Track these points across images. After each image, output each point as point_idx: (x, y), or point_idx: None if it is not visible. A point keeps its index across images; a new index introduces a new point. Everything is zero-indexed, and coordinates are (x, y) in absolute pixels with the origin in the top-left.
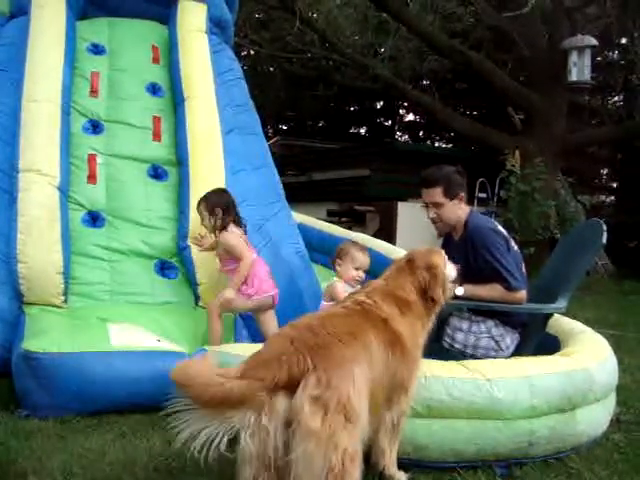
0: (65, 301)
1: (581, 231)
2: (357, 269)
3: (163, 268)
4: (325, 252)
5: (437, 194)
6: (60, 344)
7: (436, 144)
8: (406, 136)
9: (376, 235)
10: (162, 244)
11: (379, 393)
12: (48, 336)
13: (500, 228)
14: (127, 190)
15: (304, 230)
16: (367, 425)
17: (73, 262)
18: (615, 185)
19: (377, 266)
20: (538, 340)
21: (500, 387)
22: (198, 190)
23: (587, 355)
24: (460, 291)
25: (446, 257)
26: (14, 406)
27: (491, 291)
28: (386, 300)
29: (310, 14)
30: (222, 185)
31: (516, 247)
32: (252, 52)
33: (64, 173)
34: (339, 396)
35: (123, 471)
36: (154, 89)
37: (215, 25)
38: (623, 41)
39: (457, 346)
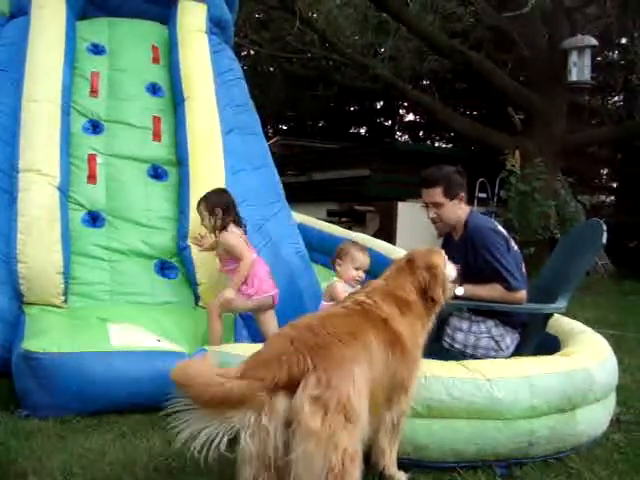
0: (65, 301)
1: (581, 231)
2: (357, 269)
3: (163, 268)
4: (325, 252)
5: (437, 194)
6: (60, 344)
7: (436, 144)
8: (406, 136)
9: (376, 235)
10: (162, 244)
11: (379, 393)
12: (48, 336)
13: (500, 228)
14: (127, 190)
15: (304, 230)
16: (367, 425)
17: (73, 262)
18: (615, 185)
19: (377, 266)
20: (538, 340)
21: (500, 387)
22: (198, 190)
23: (587, 355)
24: (460, 291)
25: (446, 257)
26: (14, 406)
27: (491, 291)
28: (386, 300)
29: (310, 14)
30: (222, 185)
31: (516, 247)
32: (252, 52)
33: (64, 173)
34: (339, 396)
35: (123, 471)
36: (154, 89)
37: (215, 25)
38: (623, 41)
39: (457, 346)
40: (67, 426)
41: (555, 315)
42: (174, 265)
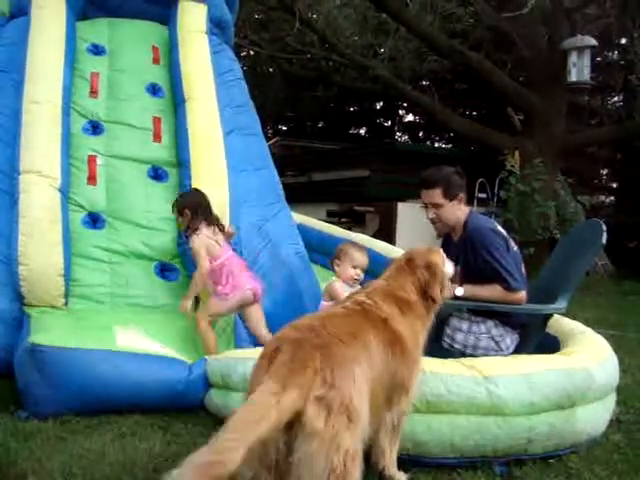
0: (66, 303)
1: (581, 231)
2: (355, 268)
3: (163, 270)
4: (325, 253)
5: (436, 195)
6: (67, 339)
7: (436, 144)
8: (406, 136)
9: (376, 235)
10: (162, 246)
11: (379, 393)
12: (55, 331)
13: (500, 228)
14: (127, 191)
15: (304, 231)
16: (368, 425)
17: (73, 264)
18: (615, 185)
19: (377, 266)
20: (538, 340)
21: (499, 384)
22: None
23: (587, 355)
24: (460, 291)
25: (444, 256)
26: (14, 407)
27: (491, 291)
28: (386, 300)
29: (310, 15)
30: (223, 186)
31: (516, 247)
32: (252, 53)
33: (65, 174)
34: (342, 397)
35: (123, 472)
36: (154, 90)
37: (215, 26)
38: (623, 41)
39: (457, 346)
40: (67, 427)
41: (555, 315)
42: (175, 267)
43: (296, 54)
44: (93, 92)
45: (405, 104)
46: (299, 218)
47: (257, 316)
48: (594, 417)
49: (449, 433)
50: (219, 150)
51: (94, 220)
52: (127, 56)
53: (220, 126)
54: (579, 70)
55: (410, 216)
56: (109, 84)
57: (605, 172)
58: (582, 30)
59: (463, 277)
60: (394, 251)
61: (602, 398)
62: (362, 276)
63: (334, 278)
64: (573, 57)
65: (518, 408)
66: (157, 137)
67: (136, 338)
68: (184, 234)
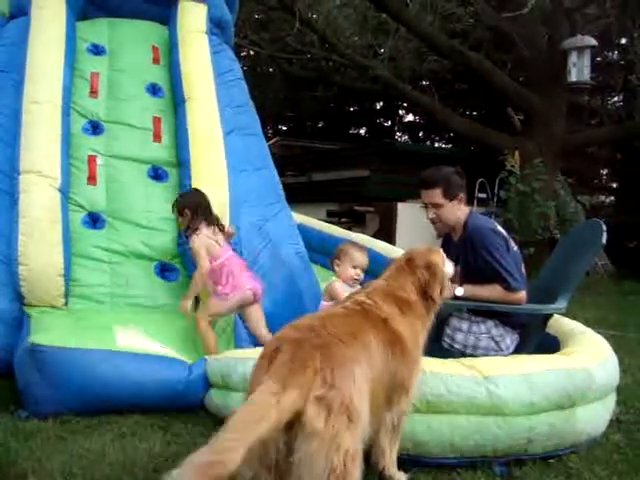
0: (66, 303)
1: (581, 231)
2: (355, 267)
3: (163, 270)
4: (325, 253)
5: (436, 195)
6: (67, 339)
7: (436, 144)
8: (406, 136)
9: (376, 236)
10: (162, 246)
11: (379, 393)
12: (55, 331)
13: (500, 228)
14: (127, 191)
15: (304, 231)
16: (368, 425)
17: (73, 264)
18: (615, 185)
19: (377, 266)
20: (538, 340)
21: (499, 384)
22: None
23: (587, 355)
24: (460, 291)
25: (444, 256)
26: (14, 407)
27: (491, 291)
28: (386, 300)
29: (310, 15)
30: (223, 186)
31: (516, 247)
32: (252, 53)
33: (64, 174)
34: (342, 397)
35: (123, 472)
36: (154, 90)
37: (215, 26)
38: (623, 41)
39: (457, 346)
40: (67, 427)
41: (555, 315)
42: (175, 267)
43: (296, 54)
44: (93, 92)
45: (405, 104)
46: (299, 218)
47: (257, 316)
48: (594, 417)
49: (449, 433)
50: (219, 150)
51: (94, 220)
52: (127, 56)
53: (220, 126)
54: (579, 70)
55: (410, 216)
56: (109, 84)
57: (605, 172)
58: (582, 30)
59: (463, 277)
60: (394, 251)
61: (602, 398)
62: (362, 276)
63: (334, 278)
64: (573, 57)
65: (518, 408)
66: (157, 137)
67: (136, 338)
68: (184, 234)
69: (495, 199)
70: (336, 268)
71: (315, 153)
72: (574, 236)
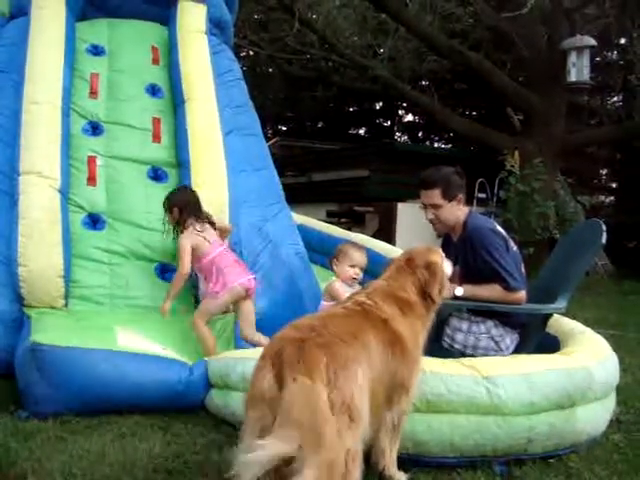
0: (66, 304)
1: (581, 231)
2: (353, 267)
3: (164, 271)
4: (325, 253)
5: (435, 196)
6: (68, 339)
7: (435, 144)
8: (405, 137)
9: (375, 236)
10: (162, 246)
11: (379, 393)
12: (56, 331)
13: (499, 228)
14: (127, 192)
15: (304, 231)
16: (368, 425)
17: (73, 265)
18: (614, 185)
19: (377, 267)
20: (538, 340)
21: (499, 383)
22: (200, 191)
23: (587, 354)
24: (460, 291)
25: (443, 255)
26: (14, 407)
27: (490, 291)
28: (387, 301)
29: (309, 15)
30: (223, 186)
31: (515, 247)
32: (251, 53)
33: (64, 175)
34: (343, 396)
35: (123, 472)
36: (154, 90)
37: (215, 26)
38: (622, 41)
39: (457, 346)
40: (67, 427)
41: (555, 315)
42: (175, 268)
43: (296, 54)
44: (93, 93)
45: (405, 104)
46: (299, 218)
47: (248, 312)
48: (594, 417)
49: (449, 433)
50: (219, 151)
51: (94, 221)
52: (126, 57)
53: (220, 126)
54: (578, 70)
55: (410, 216)
56: (109, 85)
57: (605, 172)
58: (581, 30)
59: (463, 277)
60: (394, 251)
61: (602, 398)
62: (361, 275)
63: (334, 278)
64: (572, 57)
65: (518, 408)
66: (157, 138)
67: (137, 339)
68: (174, 232)
69: (495, 199)
70: (335, 268)
71: (315, 153)
72: (574, 236)
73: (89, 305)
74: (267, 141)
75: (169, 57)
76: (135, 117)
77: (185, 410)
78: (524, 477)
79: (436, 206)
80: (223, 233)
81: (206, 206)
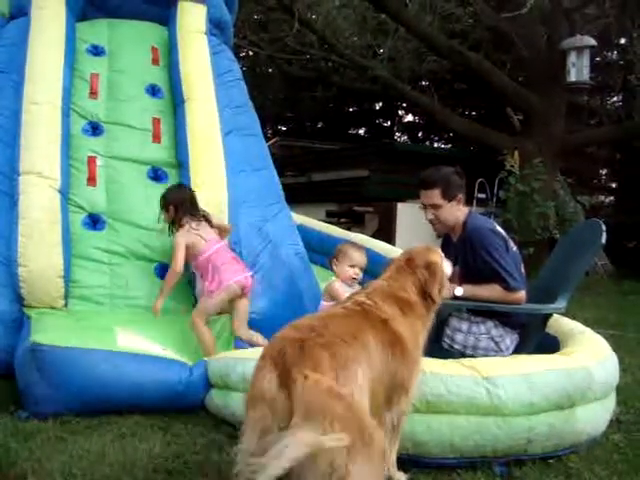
0: (66, 305)
1: (580, 231)
2: (353, 267)
3: (163, 271)
4: (324, 253)
5: (435, 196)
6: (68, 339)
7: (435, 145)
8: (405, 137)
9: (375, 236)
10: (162, 247)
11: (379, 393)
12: (56, 331)
13: (499, 229)
14: (127, 192)
15: (304, 231)
16: None
17: (73, 265)
18: (614, 185)
19: (376, 267)
20: (538, 340)
21: (499, 384)
22: (199, 192)
23: (587, 354)
24: (459, 291)
25: (443, 254)
26: (14, 407)
27: (490, 291)
28: (387, 301)
29: (309, 15)
30: (222, 187)
31: (515, 247)
32: (251, 53)
33: (64, 176)
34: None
35: (123, 472)
36: (154, 90)
37: (215, 26)
38: (622, 41)
39: (457, 347)
40: (67, 427)
41: (555, 315)
42: None
43: (295, 54)
44: (93, 93)
45: (404, 104)
46: (299, 219)
47: (243, 311)
48: (594, 417)
49: (449, 433)
50: (218, 151)
51: (94, 221)
52: (126, 57)
53: (219, 127)
54: (578, 70)
55: (410, 216)
56: (109, 85)
57: (604, 172)
58: (581, 30)
59: (462, 277)
60: (393, 251)
61: (602, 398)
62: (361, 275)
63: (333, 278)
64: (572, 57)
65: (518, 408)
66: (157, 138)
67: (137, 339)
68: (169, 230)
69: (494, 199)
70: (335, 268)
71: (315, 153)
72: (574, 236)
73: (89, 305)
74: (267, 141)
75: (169, 57)
76: (135, 117)
77: (185, 410)
78: (524, 477)
79: (436, 206)
80: (222, 232)
81: (205, 206)
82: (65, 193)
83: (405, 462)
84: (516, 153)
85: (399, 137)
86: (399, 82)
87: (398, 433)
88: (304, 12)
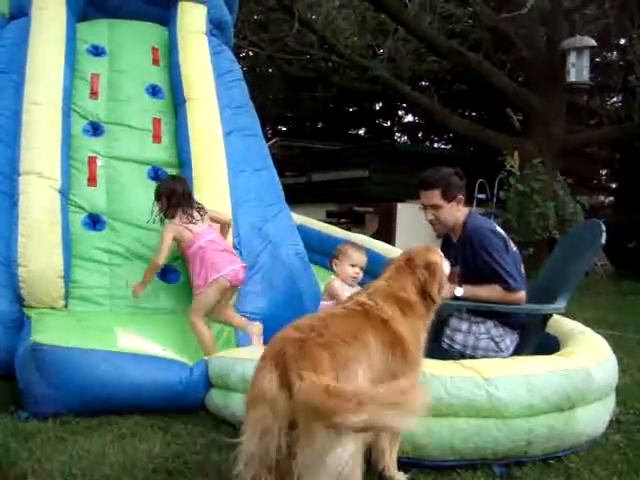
0: (66, 305)
1: (580, 232)
2: (353, 266)
3: (164, 272)
4: (324, 253)
5: (435, 196)
6: (68, 339)
7: (435, 145)
8: (405, 137)
9: (375, 236)
10: None
11: None
12: (56, 332)
13: (499, 229)
14: (127, 192)
15: (304, 231)
16: None
17: (74, 265)
18: (614, 186)
19: (376, 267)
20: (538, 341)
21: (499, 386)
22: (200, 192)
23: (586, 355)
24: (459, 292)
25: (442, 254)
26: (14, 407)
27: (490, 292)
28: (387, 301)
29: (309, 15)
30: (224, 186)
31: (515, 248)
32: (251, 53)
33: (65, 176)
34: None
35: (123, 473)
36: (154, 91)
37: (215, 26)
38: (622, 42)
39: (456, 347)
40: (67, 427)
41: (555, 315)
42: (175, 268)
43: (295, 55)
44: (93, 93)
45: (404, 105)
46: (299, 219)
47: (228, 298)
48: (594, 418)
49: (449, 436)
50: (219, 151)
51: (94, 221)
52: (127, 57)
53: (220, 127)
54: (578, 70)
55: (410, 216)
56: (109, 85)
57: (604, 172)
58: (581, 30)
59: (462, 277)
60: (393, 251)
61: (602, 399)
62: (361, 275)
63: (333, 277)
64: (572, 57)
65: (517, 410)
66: (157, 138)
67: (137, 339)
68: (161, 222)
69: (494, 199)
70: (335, 268)
71: (315, 154)
72: (573, 236)
73: (89, 306)
74: (267, 141)
75: (169, 58)
76: (135, 117)
77: (185, 410)
78: (524, 478)
79: (436, 207)
80: (223, 227)
81: (207, 206)
82: (65, 193)
83: (405, 465)
84: (516, 153)
85: (399, 137)
86: (399, 82)
87: (398, 434)
88: (304, 12)
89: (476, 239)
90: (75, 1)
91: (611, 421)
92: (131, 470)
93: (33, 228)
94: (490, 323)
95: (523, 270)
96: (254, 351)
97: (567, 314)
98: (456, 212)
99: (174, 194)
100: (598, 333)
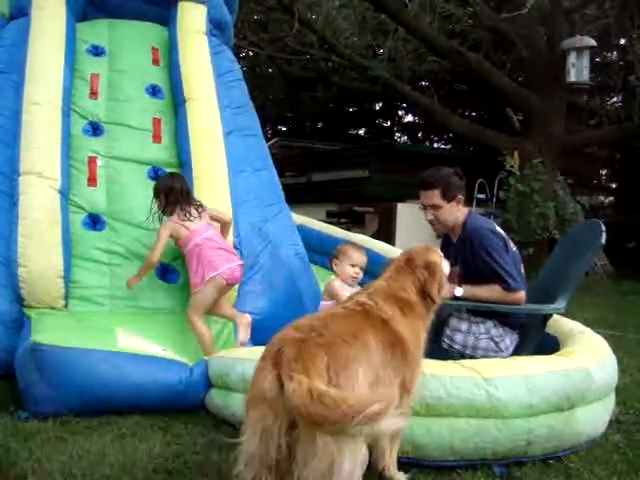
0: (66, 305)
1: (580, 232)
2: (353, 266)
3: (164, 272)
4: (324, 253)
5: (435, 196)
6: (68, 339)
7: (435, 145)
8: (405, 137)
9: (375, 236)
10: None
11: None
12: (56, 332)
13: (498, 229)
14: (127, 192)
15: (304, 231)
16: None
17: (74, 265)
18: (614, 186)
19: (377, 267)
20: (537, 341)
21: (499, 386)
22: (201, 191)
23: (586, 355)
24: (459, 292)
25: (441, 254)
26: (14, 407)
27: (490, 292)
28: (387, 301)
29: (309, 15)
30: (224, 186)
31: (515, 248)
32: (251, 53)
33: (65, 176)
34: None
35: (123, 473)
36: (154, 91)
37: (215, 26)
38: (622, 42)
39: (456, 347)
40: (67, 427)
41: (554, 316)
42: (175, 269)
43: (295, 55)
44: (93, 93)
45: (404, 105)
46: (299, 219)
47: (225, 296)
48: (593, 418)
49: (449, 436)
50: (219, 151)
51: (94, 221)
52: (127, 57)
53: (220, 127)
54: (578, 70)
55: (410, 216)
56: (109, 85)
57: (604, 172)
58: (581, 30)
59: (462, 277)
60: (393, 251)
61: (601, 399)
62: (361, 275)
63: (333, 277)
64: (572, 57)
65: (517, 410)
66: (157, 138)
67: (137, 340)
68: (159, 219)
69: (494, 200)
70: (335, 268)
71: (315, 154)
72: (573, 236)
73: (89, 306)
74: (267, 141)
75: (169, 58)
76: (135, 117)
77: (185, 410)
78: (524, 478)
79: (435, 207)
80: (223, 227)
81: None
82: (65, 193)
83: (405, 465)
84: (516, 153)
85: (399, 137)
86: (399, 82)
87: (399, 433)
88: (304, 12)
89: (476, 239)
90: (75, 1)
91: (611, 421)
92: (131, 470)
93: (33, 228)
94: (490, 323)
95: (523, 270)
96: (254, 351)
97: (567, 314)
98: (456, 212)
99: (172, 191)
100: (598, 333)
